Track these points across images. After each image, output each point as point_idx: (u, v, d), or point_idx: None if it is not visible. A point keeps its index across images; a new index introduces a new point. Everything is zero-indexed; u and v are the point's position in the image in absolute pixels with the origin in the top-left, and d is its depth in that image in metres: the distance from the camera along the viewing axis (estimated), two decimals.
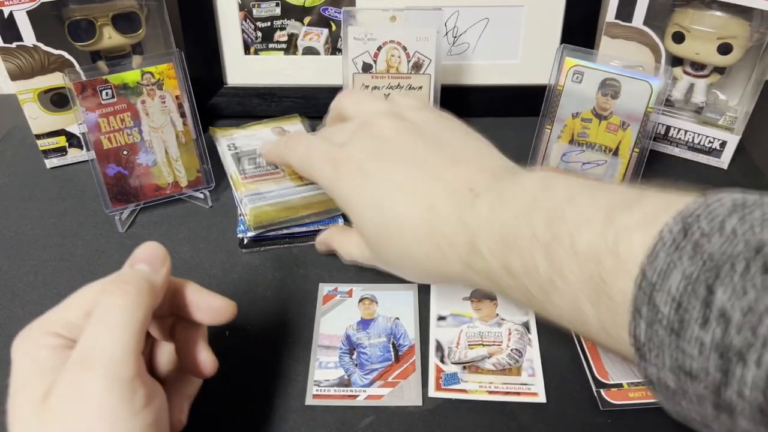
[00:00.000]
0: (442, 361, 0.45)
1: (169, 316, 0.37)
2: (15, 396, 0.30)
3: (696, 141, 0.64)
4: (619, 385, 0.43)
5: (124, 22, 0.61)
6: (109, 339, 0.30)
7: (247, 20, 0.68)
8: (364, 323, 0.47)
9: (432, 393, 0.43)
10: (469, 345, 0.46)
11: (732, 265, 0.23)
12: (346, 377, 0.44)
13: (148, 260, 0.35)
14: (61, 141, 0.63)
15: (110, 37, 0.61)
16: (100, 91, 0.53)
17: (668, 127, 0.65)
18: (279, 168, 0.56)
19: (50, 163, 0.64)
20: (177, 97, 0.56)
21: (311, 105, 0.70)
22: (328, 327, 0.47)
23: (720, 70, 0.62)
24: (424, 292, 0.50)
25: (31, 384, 0.30)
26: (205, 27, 0.67)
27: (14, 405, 0.30)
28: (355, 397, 0.43)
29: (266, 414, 0.41)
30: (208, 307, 0.36)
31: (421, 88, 0.61)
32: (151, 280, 0.34)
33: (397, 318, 0.48)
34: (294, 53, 0.69)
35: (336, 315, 0.48)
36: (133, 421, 0.29)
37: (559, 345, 0.46)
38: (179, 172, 0.58)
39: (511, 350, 0.45)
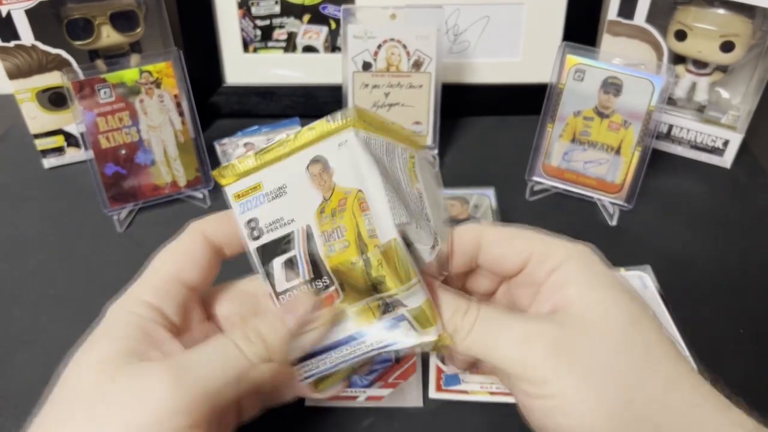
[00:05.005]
0: (443, 361, 0.44)
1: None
2: (87, 350, 0.30)
3: (698, 140, 0.63)
4: None
5: (123, 20, 0.60)
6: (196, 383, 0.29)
7: (246, 18, 0.67)
8: None
9: (433, 394, 0.42)
10: None
11: None
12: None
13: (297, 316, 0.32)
14: (59, 140, 0.63)
15: (108, 36, 0.60)
16: (99, 90, 0.53)
17: (671, 126, 0.64)
18: (332, 283, 0.31)
19: (48, 162, 0.64)
20: (175, 96, 0.55)
21: (311, 104, 0.70)
22: None
23: (722, 68, 0.61)
24: None
25: (110, 343, 0.30)
26: (203, 25, 0.67)
27: (83, 358, 0.30)
28: (355, 398, 0.42)
29: (266, 415, 0.41)
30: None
31: (421, 86, 0.60)
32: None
33: None
34: (293, 51, 0.69)
35: None
36: None
37: None
38: (178, 171, 0.57)
39: None
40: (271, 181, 0.32)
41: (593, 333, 0.29)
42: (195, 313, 0.34)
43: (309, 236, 0.31)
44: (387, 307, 0.31)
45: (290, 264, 0.32)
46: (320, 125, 0.31)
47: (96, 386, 0.29)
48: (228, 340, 0.30)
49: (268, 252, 0.32)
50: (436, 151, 0.63)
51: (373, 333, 0.31)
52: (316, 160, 0.31)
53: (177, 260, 0.34)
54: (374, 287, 0.30)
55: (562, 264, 0.31)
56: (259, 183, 0.32)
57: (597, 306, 0.30)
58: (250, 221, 0.33)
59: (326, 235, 0.31)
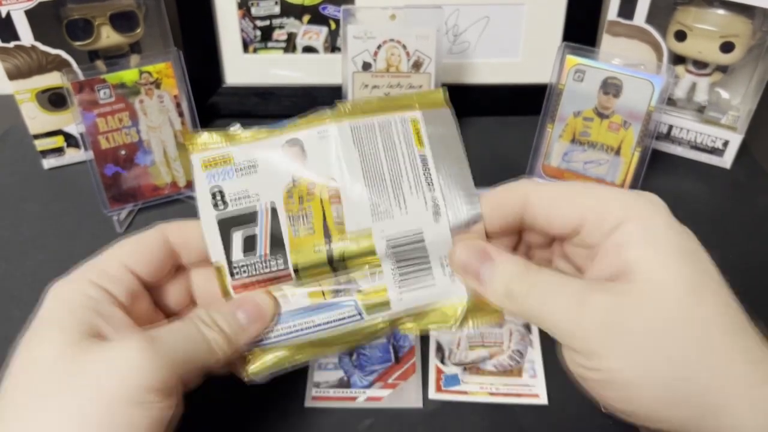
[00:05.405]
0: (442, 362, 0.44)
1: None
2: (39, 331, 0.31)
3: (698, 140, 0.63)
4: None
5: (122, 21, 0.60)
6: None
7: (246, 19, 0.67)
8: None
9: (432, 395, 0.42)
10: (469, 346, 0.45)
11: None
12: (345, 378, 0.43)
13: (251, 317, 0.33)
14: (59, 141, 0.63)
15: (108, 37, 0.60)
16: (98, 91, 0.53)
17: (670, 126, 0.64)
18: (286, 263, 0.33)
19: (48, 163, 0.64)
20: (175, 97, 0.55)
21: (310, 104, 0.70)
22: None
23: (722, 68, 0.61)
24: None
25: (64, 322, 0.30)
26: (203, 26, 0.67)
27: (37, 339, 0.31)
28: (355, 398, 0.42)
29: (265, 416, 0.41)
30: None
31: (421, 87, 0.60)
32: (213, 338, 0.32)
33: None
34: (293, 52, 0.69)
35: None
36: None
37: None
38: (177, 172, 0.57)
39: (513, 351, 0.45)
40: (244, 155, 0.33)
41: (649, 305, 0.28)
42: (144, 302, 0.34)
43: (273, 214, 0.32)
44: (339, 292, 0.32)
45: (250, 239, 0.33)
46: (309, 117, 0.33)
47: (59, 364, 0.29)
48: (197, 327, 0.31)
49: (228, 224, 0.33)
50: None
51: (321, 313, 0.33)
52: (292, 143, 0.32)
53: (129, 251, 0.34)
54: (332, 272, 0.32)
55: (621, 225, 0.30)
56: (231, 156, 0.33)
57: (655, 274, 0.28)
58: (215, 191, 0.33)
59: (292, 218, 0.32)
